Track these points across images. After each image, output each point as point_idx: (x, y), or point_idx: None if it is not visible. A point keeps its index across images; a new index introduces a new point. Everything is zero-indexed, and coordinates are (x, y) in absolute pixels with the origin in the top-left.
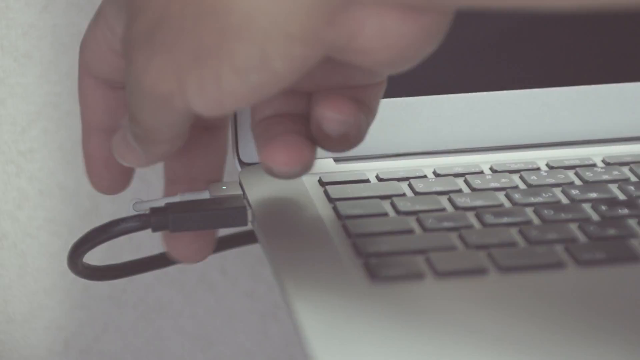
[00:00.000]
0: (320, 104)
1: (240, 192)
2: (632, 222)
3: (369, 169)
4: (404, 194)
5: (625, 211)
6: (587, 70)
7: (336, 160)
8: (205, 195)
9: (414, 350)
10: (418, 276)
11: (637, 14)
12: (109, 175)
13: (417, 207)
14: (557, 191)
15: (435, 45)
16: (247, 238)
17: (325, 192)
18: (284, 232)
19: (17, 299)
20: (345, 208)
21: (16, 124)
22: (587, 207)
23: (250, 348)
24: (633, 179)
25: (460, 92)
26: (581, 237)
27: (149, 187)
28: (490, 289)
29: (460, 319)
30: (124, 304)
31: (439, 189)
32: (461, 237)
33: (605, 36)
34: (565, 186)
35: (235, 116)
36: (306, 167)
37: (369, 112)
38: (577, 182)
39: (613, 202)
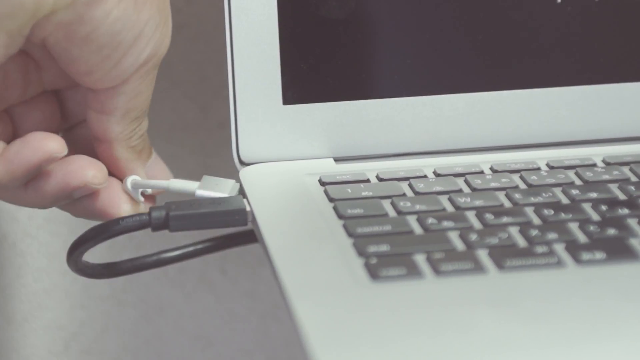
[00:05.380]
0: None
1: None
2: (632, 222)
3: (369, 169)
4: (404, 194)
5: (625, 211)
6: (587, 70)
7: (336, 160)
8: (194, 186)
9: (414, 350)
10: (418, 276)
11: (637, 14)
12: None
13: (417, 207)
14: (557, 191)
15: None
16: (247, 238)
17: (325, 192)
18: (283, 232)
19: (17, 299)
20: (345, 208)
21: None
22: (587, 207)
23: (250, 348)
24: (633, 179)
25: (460, 92)
26: (581, 237)
27: None
28: (490, 289)
29: (460, 319)
30: (124, 304)
31: (439, 189)
32: (461, 237)
33: (605, 36)
34: (566, 186)
35: (235, 116)
36: None
37: None
38: (578, 182)
39: (613, 202)
